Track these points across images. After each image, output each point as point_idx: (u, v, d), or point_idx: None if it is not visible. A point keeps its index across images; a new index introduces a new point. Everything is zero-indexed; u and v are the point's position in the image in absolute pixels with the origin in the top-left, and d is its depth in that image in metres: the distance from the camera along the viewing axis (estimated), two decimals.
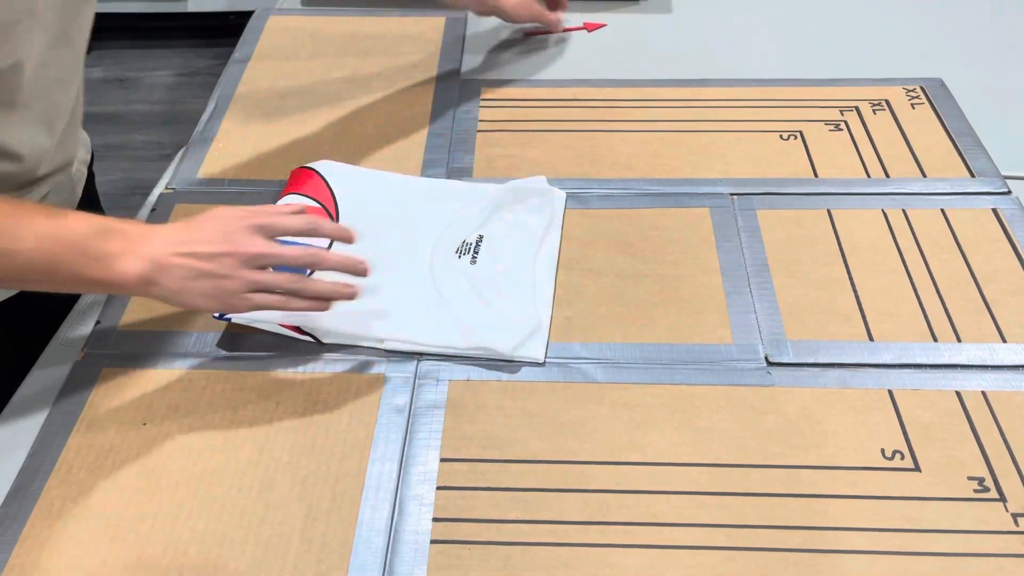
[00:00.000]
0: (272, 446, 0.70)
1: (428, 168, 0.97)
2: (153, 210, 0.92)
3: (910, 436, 0.70)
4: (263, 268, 0.70)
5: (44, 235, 0.65)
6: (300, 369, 0.76)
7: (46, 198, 0.85)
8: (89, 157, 0.98)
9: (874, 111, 1.03)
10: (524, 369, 0.76)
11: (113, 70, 2.70)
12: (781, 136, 1.00)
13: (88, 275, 0.66)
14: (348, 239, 0.75)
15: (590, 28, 1.16)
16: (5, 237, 0.64)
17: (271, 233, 0.70)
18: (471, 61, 1.16)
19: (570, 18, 1.21)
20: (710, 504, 0.66)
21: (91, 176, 0.99)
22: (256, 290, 0.70)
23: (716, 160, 0.97)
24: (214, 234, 0.69)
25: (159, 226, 0.70)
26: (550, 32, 1.16)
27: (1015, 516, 0.65)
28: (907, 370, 0.75)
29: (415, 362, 0.77)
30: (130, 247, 0.67)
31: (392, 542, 0.64)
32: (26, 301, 0.85)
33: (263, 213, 0.71)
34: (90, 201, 0.98)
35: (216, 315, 0.78)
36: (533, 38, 1.19)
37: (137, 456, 0.70)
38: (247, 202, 0.93)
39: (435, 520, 0.66)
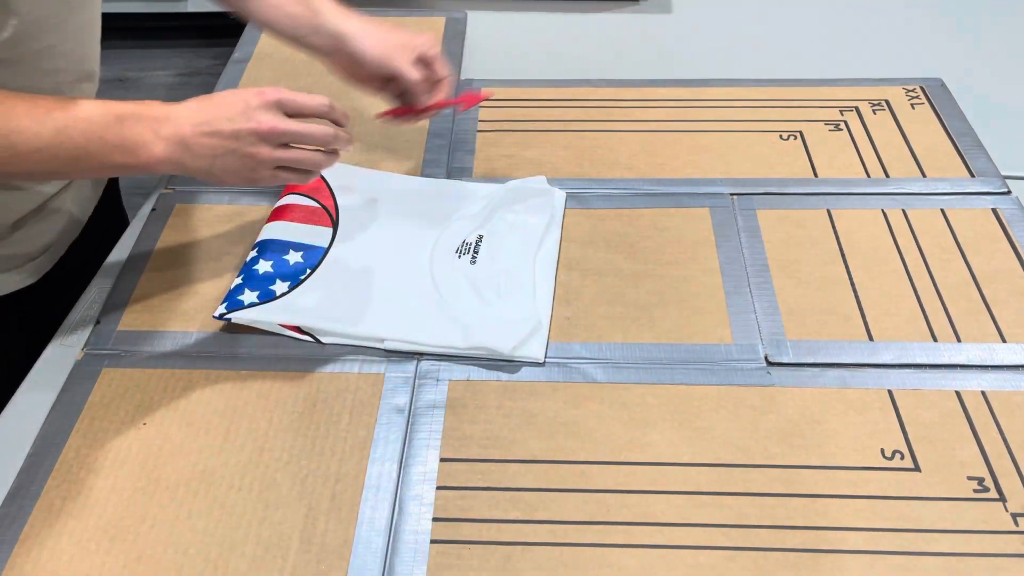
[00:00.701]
0: (272, 446, 0.70)
1: (428, 168, 0.97)
2: (153, 210, 0.93)
3: (910, 436, 0.70)
4: (283, 144, 0.71)
5: (63, 127, 0.66)
6: (300, 369, 0.76)
7: (67, 188, 0.86)
8: None
9: (874, 111, 1.03)
10: (524, 369, 0.76)
11: (113, 70, 2.70)
12: (781, 136, 1.00)
13: (114, 161, 0.68)
14: (346, 120, 0.77)
15: (467, 105, 0.93)
16: (27, 135, 0.65)
17: (288, 109, 0.72)
18: (471, 61, 1.16)
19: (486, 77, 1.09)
20: (710, 504, 0.66)
21: None
22: (278, 167, 0.72)
23: (716, 160, 0.97)
24: (234, 110, 0.70)
25: (177, 105, 0.71)
26: (409, 112, 0.87)
27: (1015, 516, 0.65)
28: (907, 370, 0.75)
29: (415, 362, 0.77)
30: (152, 130, 0.68)
31: (392, 542, 0.64)
32: (26, 302, 0.85)
33: (278, 90, 0.72)
34: (112, 197, 0.99)
35: (216, 315, 0.78)
36: (536, 39, 1.19)
37: (137, 456, 0.70)
38: (248, 201, 0.93)
39: (435, 520, 0.66)
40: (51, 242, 0.87)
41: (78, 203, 0.89)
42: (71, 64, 0.79)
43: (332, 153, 0.76)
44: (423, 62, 0.85)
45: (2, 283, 0.83)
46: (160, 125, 0.68)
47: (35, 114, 0.65)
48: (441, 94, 0.86)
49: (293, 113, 0.72)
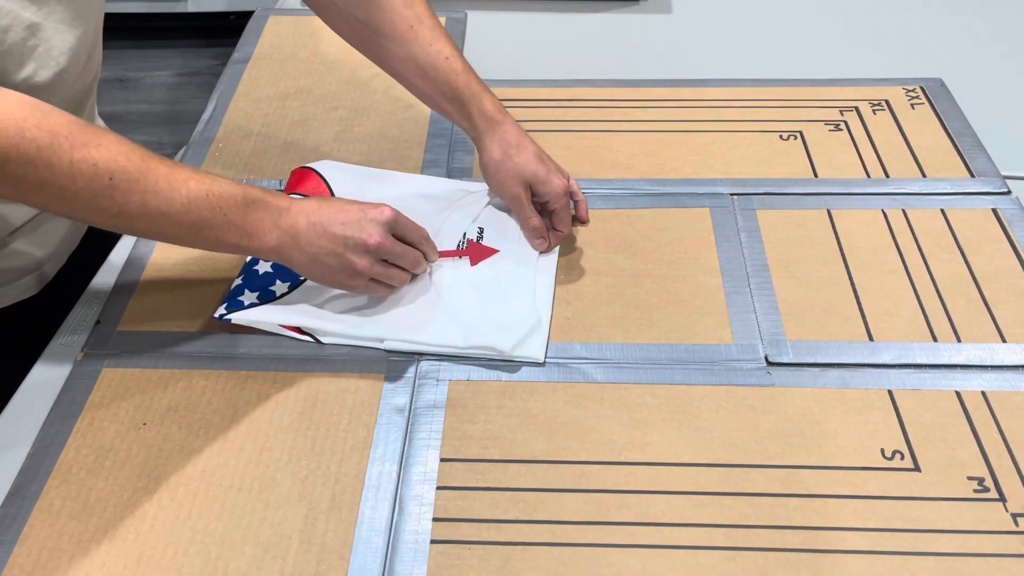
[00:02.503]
0: (272, 446, 0.70)
1: (428, 168, 0.97)
2: None
3: (910, 436, 0.70)
4: (383, 260, 0.75)
5: (195, 198, 0.68)
6: (300, 369, 0.76)
7: None
8: None
9: (874, 111, 1.03)
10: (524, 369, 0.76)
11: (113, 70, 2.70)
12: (781, 136, 1.00)
13: (229, 240, 0.71)
14: (435, 256, 0.82)
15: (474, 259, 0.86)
16: (160, 198, 0.67)
17: (396, 230, 0.76)
18: (471, 61, 1.16)
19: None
20: (710, 504, 0.66)
21: None
22: (371, 278, 0.75)
23: (716, 160, 0.97)
24: (350, 217, 0.73)
25: (300, 200, 0.74)
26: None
27: (1015, 516, 0.65)
28: (907, 370, 0.75)
29: (415, 362, 0.77)
30: (272, 219, 0.72)
31: (392, 542, 0.64)
32: (29, 308, 0.85)
33: (394, 211, 0.75)
34: None
35: (216, 315, 0.78)
36: (536, 39, 1.19)
37: (137, 456, 0.70)
38: None
39: (435, 520, 0.66)
40: (51, 253, 0.86)
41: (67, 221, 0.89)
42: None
43: (414, 276, 0.80)
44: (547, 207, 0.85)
45: (4, 294, 0.83)
46: (280, 216, 0.72)
47: (173, 180, 0.67)
48: (555, 240, 0.86)
49: (399, 235, 0.76)
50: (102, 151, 0.64)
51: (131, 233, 0.75)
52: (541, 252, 0.86)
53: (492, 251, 0.86)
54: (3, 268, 0.82)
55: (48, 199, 0.64)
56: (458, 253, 0.85)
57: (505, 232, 0.87)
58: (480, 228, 0.87)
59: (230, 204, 0.70)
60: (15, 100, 0.62)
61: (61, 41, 0.73)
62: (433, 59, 0.83)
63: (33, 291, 0.85)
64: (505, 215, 0.89)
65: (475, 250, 0.86)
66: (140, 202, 0.66)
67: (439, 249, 0.84)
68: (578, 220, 0.87)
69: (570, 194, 0.85)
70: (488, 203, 0.90)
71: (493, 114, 0.84)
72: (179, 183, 0.67)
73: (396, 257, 0.76)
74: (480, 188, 0.92)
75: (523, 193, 0.84)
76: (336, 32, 0.89)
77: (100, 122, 0.96)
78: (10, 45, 0.69)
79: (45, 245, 0.85)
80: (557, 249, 0.87)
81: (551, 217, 0.85)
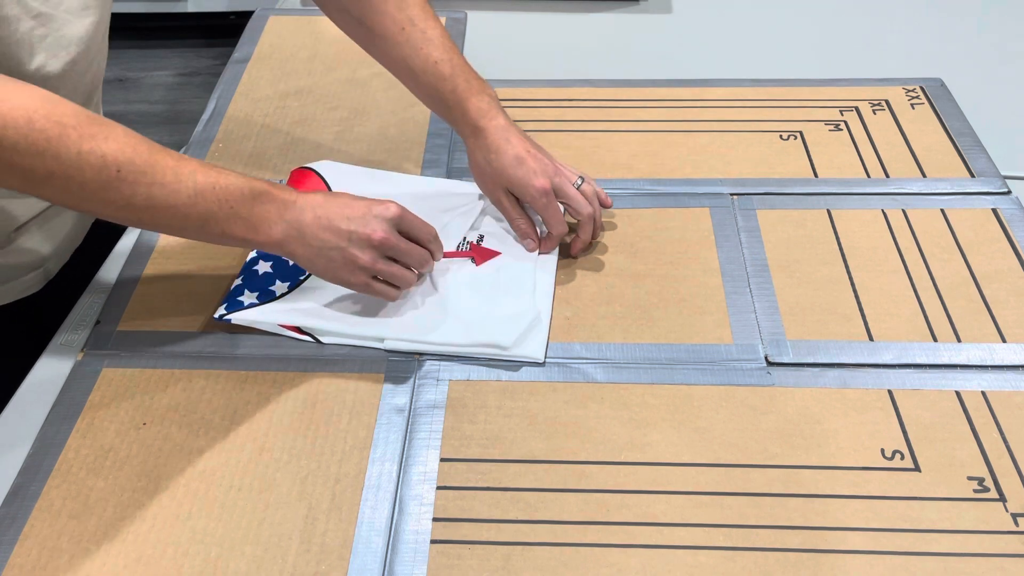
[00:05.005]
0: (272, 446, 0.70)
1: (428, 168, 0.97)
2: None
3: (910, 436, 0.70)
4: (387, 257, 0.75)
5: (201, 191, 0.68)
6: (300, 369, 0.76)
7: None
8: None
9: (874, 111, 1.03)
10: (524, 369, 0.76)
11: (113, 70, 2.70)
12: (781, 136, 1.00)
13: (235, 233, 0.71)
14: (440, 254, 0.81)
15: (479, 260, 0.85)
16: (167, 190, 0.66)
17: (403, 227, 0.75)
18: (471, 61, 1.15)
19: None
20: (710, 504, 0.66)
21: None
22: (374, 276, 0.75)
23: (716, 160, 0.97)
24: (356, 212, 0.73)
25: (305, 193, 0.74)
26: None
27: (1015, 516, 0.65)
28: (907, 370, 0.75)
29: (415, 362, 0.77)
30: (278, 212, 0.72)
31: (392, 542, 0.64)
32: (30, 307, 0.85)
33: (401, 208, 0.75)
34: None
35: (216, 316, 0.78)
36: (536, 39, 1.19)
37: (137, 456, 0.70)
38: None
39: (435, 520, 0.66)
40: (55, 249, 0.86)
41: (71, 218, 0.89)
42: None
43: (420, 276, 0.80)
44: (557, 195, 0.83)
45: (8, 291, 0.83)
46: (286, 209, 0.72)
47: (180, 172, 0.67)
48: (583, 234, 0.85)
49: (405, 232, 0.76)
50: (110, 143, 0.64)
51: (138, 225, 0.75)
52: (541, 252, 0.86)
53: (495, 253, 0.86)
54: (7, 264, 0.82)
55: (56, 190, 0.64)
56: (462, 255, 0.85)
57: (506, 237, 0.87)
58: (480, 235, 0.87)
59: (236, 197, 0.69)
60: (26, 91, 0.62)
61: (71, 31, 0.73)
62: (421, 63, 0.84)
63: (36, 288, 0.85)
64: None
65: (479, 252, 0.86)
66: (147, 194, 0.66)
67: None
68: (602, 205, 0.86)
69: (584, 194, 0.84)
70: (487, 204, 0.90)
71: (476, 120, 0.83)
72: (186, 176, 0.67)
73: (401, 254, 0.75)
74: (477, 190, 0.92)
75: (504, 198, 0.84)
76: (337, 25, 0.89)
77: None
78: (21, 35, 0.69)
79: (50, 241, 0.85)
80: (557, 249, 0.87)
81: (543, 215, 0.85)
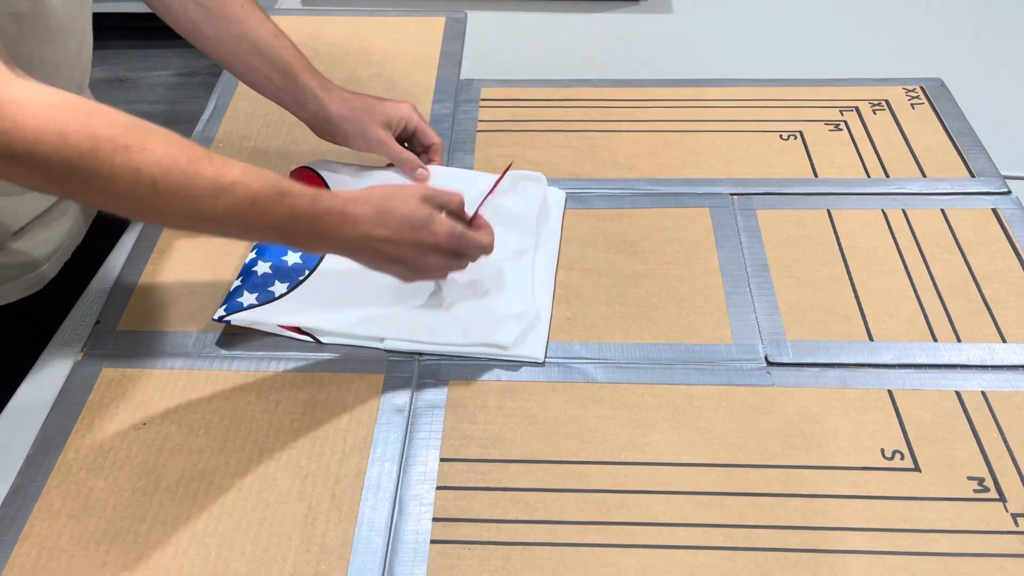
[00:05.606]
0: (272, 446, 0.70)
1: None
2: None
3: (910, 436, 0.70)
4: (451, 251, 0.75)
5: (240, 206, 0.65)
6: (300, 369, 0.76)
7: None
8: None
9: (874, 111, 1.03)
10: (524, 369, 0.76)
11: (113, 70, 2.70)
12: (781, 136, 1.00)
13: (276, 243, 0.72)
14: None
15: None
16: (203, 202, 0.64)
17: (449, 209, 0.76)
18: (471, 61, 1.16)
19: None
20: (710, 504, 0.66)
21: None
22: (445, 270, 0.77)
23: (716, 160, 0.97)
24: (412, 220, 0.71)
25: (357, 211, 0.70)
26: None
27: (1015, 516, 0.65)
28: (907, 370, 0.75)
29: (415, 362, 0.77)
30: (317, 233, 0.69)
31: (392, 542, 0.64)
32: (31, 306, 0.85)
33: (458, 195, 0.76)
34: None
35: (215, 317, 0.78)
36: (536, 39, 1.19)
37: (137, 456, 0.70)
38: None
39: (435, 520, 0.66)
40: (56, 248, 0.86)
41: (71, 218, 0.89)
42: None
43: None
44: (408, 132, 0.90)
45: (9, 291, 0.83)
46: (337, 231, 0.69)
47: (218, 185, 0.64)
48: (436, 157, 0.92)
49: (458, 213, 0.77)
50: (146, 155, 0.61)
51: (178, 230, 0.77)
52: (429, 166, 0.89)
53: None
54: (8, 264, 0.82)
55: (93, 199, 0.64)
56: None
57: (505, 241, 0.87)
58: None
59: (274, 218, 0.66)
60: (57, 102, 0.60)
61: (57, 22, 0.73)
62: (265, 36, 0.87)
63: (37, 288, 0.85)
64: (503, 214, 0.89)
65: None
66: (184, 206, 0.64)
67: None
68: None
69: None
70: (484, 191, 0.89)
71: (324, 82, 0.88)
72: (224, 190, 0.64)
73: (471, 251, 0.76)
74: (477, 178, 0.91)
75: (383, 133, 0.88)
76: (168, 22, 0.88)
77: None
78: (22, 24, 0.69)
79: (50, 242, 0.85)
80: (557, 248, 0.86)
81: (415, 138, 0.91)
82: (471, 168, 0.97)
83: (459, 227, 0.74)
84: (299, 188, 0.68)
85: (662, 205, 0.92)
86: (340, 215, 0.69)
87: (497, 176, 0.88)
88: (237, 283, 0.82)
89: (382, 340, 0.78)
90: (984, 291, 0.81)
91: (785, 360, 0.76)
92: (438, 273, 0.77)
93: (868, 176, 0.95)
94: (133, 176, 0.61)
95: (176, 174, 0.63)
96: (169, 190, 0.63)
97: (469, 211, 0.87)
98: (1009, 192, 0.92)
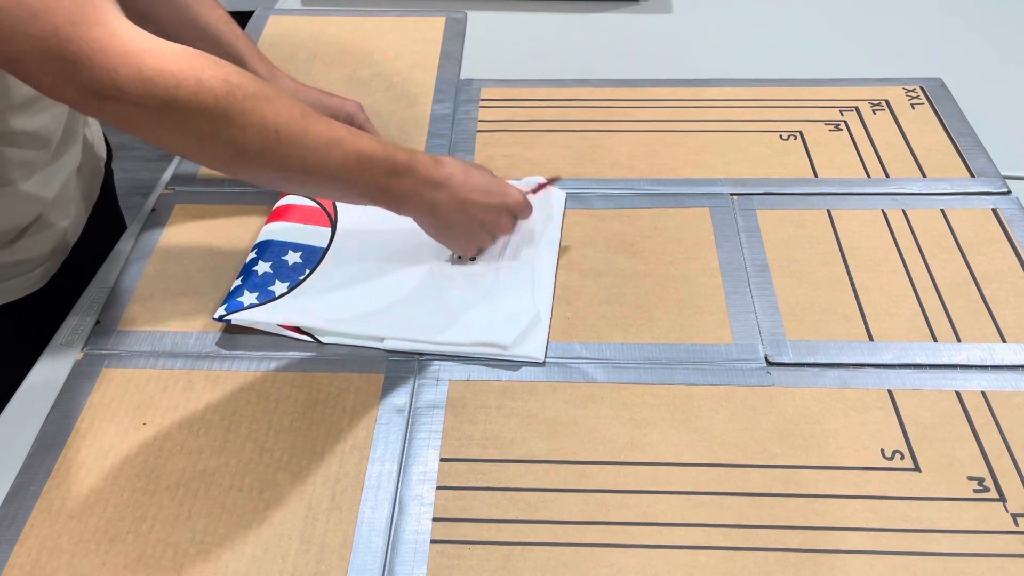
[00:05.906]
0: (272, 446, 0.70)
1: None
2: (153, 210, 0.93)
3: (910, 436, 0.70)
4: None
5: (348, 159, 0.69)
6: (300, 369, 0.76)
7: (67, 183, 0.86)
8: (106, 155, 0.99)
9: (874, 111, 1.03)
10: (524, 369, 0.76)
11: None
12: (781, 136, 1.00)
13: (375, 200, 0.73)
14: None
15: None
16: (317, 154, 0.67)
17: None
18: (471, 61, 1.16)
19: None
20: (710, 504, 0.66)
21: (109, 174, 1.00)
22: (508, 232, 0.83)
23: (716, 160, 0.97)
24: (490, 185, 0.79)
25: (445, 171, 0.76)
26: None
27: (1015, 516, 0.65)
28: (907, 370, 0.75)
29: (415, 362, 0.77)
30: (416, 189, 0.74)
31: (392, 542, 0.64)
32: (30, 306, 0.85)
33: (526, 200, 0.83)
34: (107, 200, 0.99)
35: (215, 316, 0.78)
36: (536, 39, 1.19)
37: (137, 456, 0.70)
38: (247, 202, 0.93)
39: (435, 520, 0.66)
40: (53, 249, 0.87)
41: (70, 216, 0.89)
42: None
43: None
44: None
45: (8, 289, 0.83)
46: (425, 187, 0.74)
47: (329, 139, 0.67)
48: None
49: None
50: (271, 105, 0.64)
51: (284, 188, 0.79)
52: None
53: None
54: (8, 263, 0.82)
55: (220, 152, 0.64)
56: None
57: (506, 242, 0.87)
58: None
59: (379, 170, 0.71)
60: (187, 50, 0.61)
61: None
62: (213, 21, 0.87)
63: (37, 287, 0.85)
64: None
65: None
66: (300, 158, 0.66)
67: (439, 250, 0.84)
68: None
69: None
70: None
71: (272, 69, 0.89)
72: (335, 143, 0.68)
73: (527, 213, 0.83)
74: None
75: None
76: (119, 5, 0.89)
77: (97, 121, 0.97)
78: None
79: (50, 241, 0.85)
80: (557, 248, 0.87)
81: None
82: None
83: (521, 191, 0.82)
84: (395, 146, 0.72)
85: (662, 205, 0.92)
86: (436, 172, 0.75)
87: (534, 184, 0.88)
88: (237, 282, 0.82)
89: (382, 340, 0.78)
90: (984, 291, 0.82)
91: (785, 360, 0.76)
92: (503, 234, 0.83)
93: (868, 176, 0.95)
94: (261, 124, 0.63)
95: (295, 126, 0.65)
96: (291, 140, 0.65)
97: None
98: (1009, 192, 0.92)
